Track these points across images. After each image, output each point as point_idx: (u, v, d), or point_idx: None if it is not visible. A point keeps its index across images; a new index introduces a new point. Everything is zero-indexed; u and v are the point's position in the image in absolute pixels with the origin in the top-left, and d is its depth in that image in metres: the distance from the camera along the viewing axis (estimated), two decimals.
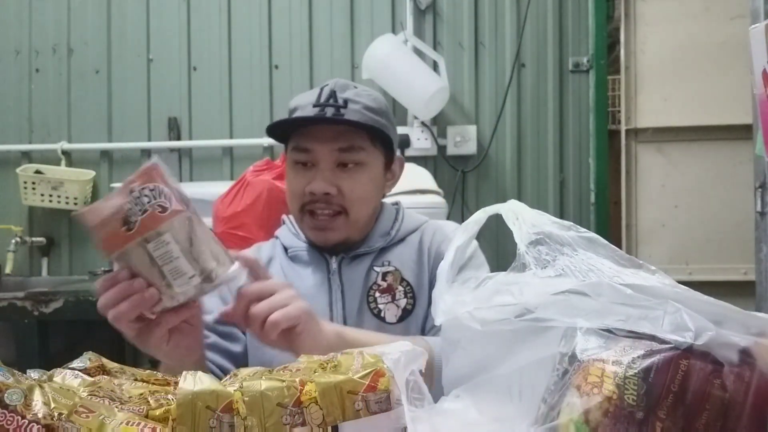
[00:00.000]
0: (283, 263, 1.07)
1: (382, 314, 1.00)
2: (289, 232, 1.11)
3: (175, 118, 2.35)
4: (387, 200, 1.14)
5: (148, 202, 0.65)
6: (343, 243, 1.03)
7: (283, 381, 0.53)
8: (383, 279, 1.02)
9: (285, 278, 1.03)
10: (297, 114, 1.00)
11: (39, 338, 1.72)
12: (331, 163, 0.99)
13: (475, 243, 1.10)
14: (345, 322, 0.99)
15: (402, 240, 1.07)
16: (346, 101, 0.99)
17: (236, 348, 1.00)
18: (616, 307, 0.50)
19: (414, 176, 1.93)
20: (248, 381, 0.53)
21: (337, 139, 0.98)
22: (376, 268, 1.03)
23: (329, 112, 0.97)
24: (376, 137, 1.02)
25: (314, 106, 0.98)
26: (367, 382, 0.53)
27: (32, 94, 2.41)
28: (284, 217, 1.16)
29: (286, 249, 1.09)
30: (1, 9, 2.42)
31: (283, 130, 1.04)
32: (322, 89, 1.00)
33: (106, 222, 0.66)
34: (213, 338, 0.98)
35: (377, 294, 1.01)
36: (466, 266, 0.98)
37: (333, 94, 0.99)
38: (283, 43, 2.35)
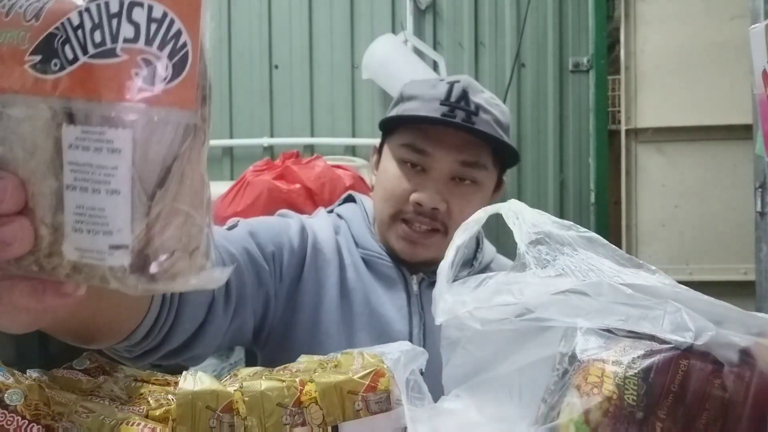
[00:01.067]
0: (356, 261, 0.91)
1: None
2: (363, 224, 0.94)
3: None
4: None
5: (129, 41, 0.28)
6: (429, 261, 0.90)
7: (283, 381, 0.53)
8: None
9: (359, 281, 0.89)
10: (417, 104, 0.87)
11: (39, 338, 1.72)
12: (447, 174, 0.86)
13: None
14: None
15: (482, 272, 0.95)
16: (477, 108, 0.85)
17: (261, 285, 0.82)
18: (616, 307, 0.50)
19: None
20: (248, 381, 0.54)
21: (462, 150, 0.86)
22: None
23: (459, 116, 0.84)
24: (497, 157, 0.90)
25: (442, 103, 0.85)
26: (367, 382, 0.53)
27: None
28: (354, 194, 1.00)
29: (356, 242, 0.93)
30: None
31: (393, 117, 0.90)
32: (452, 85, 0.87)
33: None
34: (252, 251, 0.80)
35: None
36: None
37: (465, 95, 0.85)
38: (283, 43, 2.35)
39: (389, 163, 0.90)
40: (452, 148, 0.86)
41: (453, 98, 0.85)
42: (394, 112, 0.92)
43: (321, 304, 0.87)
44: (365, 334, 0.87)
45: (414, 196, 0.86)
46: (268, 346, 0.88)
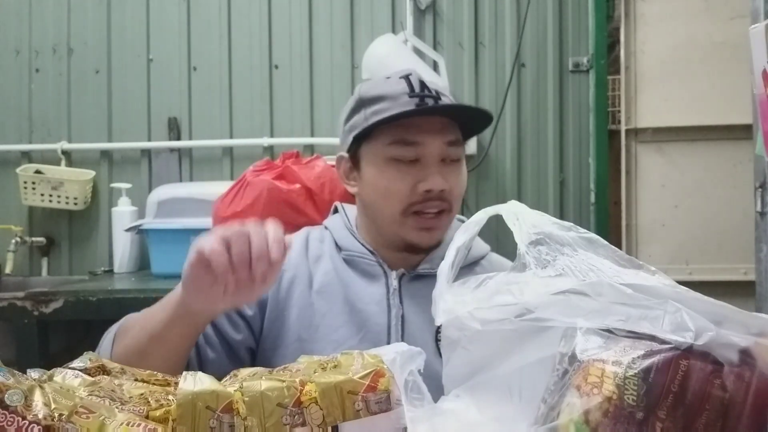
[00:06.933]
0: (336, 264, 0.97)
1: None
2: (345, 229, 1.00)
3: (175, 118, 2.35)
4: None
5: None
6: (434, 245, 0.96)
7: (283, 381, 0.53)
8: None
9: (339, 282, 0.95)
10: (387, 104, 0.90)
11: (39, 338, 1.71)
12: (438, 157, 0.91)
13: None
14: None
15: (469, 267, 0.96)
16: (437, 91, 0.91)
17: (235, 335, 0.92)
18: (616, 307, 0.50)
19: None
20: (248, 381, 0.53)
21: (445, 132, 0.91)
22: None
23: (429, 102, 0.89)
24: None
25: (410, 96, 0.89)
26: (367, 383, 0.53)
27: (32, 94, 2.40)
28: (338, 204, 1.07)
29: (338, 247, 0.98)
30: (1, 9, 2.42)
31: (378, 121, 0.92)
32: (408, 78, 0.91)
33: None
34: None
35: None
36: None
37: (423, 84, 0.91)
38: (283, 43, 2.35)
39: (378, 167, 0.92)
40: (437, 132, 0.91)
41: (416, 89, 0.90)
42: (359, 117, 0.93)
43: (300, 312, 0.93)
44: (346, 329, 0.91)
45: (422, 185, 0.90)
46: (261, 356, 0.95)
